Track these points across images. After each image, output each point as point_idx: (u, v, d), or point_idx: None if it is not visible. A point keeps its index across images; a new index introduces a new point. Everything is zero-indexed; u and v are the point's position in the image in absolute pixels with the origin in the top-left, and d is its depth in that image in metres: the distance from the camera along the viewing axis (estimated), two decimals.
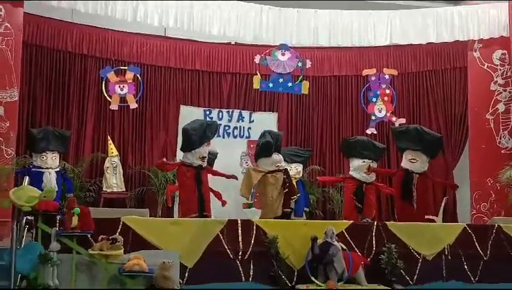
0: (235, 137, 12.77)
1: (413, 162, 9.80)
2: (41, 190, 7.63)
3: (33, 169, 9.69)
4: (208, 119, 12.38)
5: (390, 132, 11.08)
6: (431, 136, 10.06)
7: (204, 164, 9.16)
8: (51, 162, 9.80)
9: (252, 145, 12.66)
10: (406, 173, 9.84)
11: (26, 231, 6.40)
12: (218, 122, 12.54)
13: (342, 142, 10.80)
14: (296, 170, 11.01)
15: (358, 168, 9.90)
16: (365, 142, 10.16)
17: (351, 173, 10.02)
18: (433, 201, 11.93)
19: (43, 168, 9.73)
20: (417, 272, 7.44)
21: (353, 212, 9.60)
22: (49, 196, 6.47)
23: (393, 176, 10.60)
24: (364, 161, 9.86)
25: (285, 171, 9.43)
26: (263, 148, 9.39)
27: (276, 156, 9.34)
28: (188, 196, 8.98)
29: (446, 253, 7.60)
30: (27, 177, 7.48)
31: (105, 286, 6.28)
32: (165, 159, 10.18)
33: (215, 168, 10.53)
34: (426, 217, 9.77)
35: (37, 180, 9.13)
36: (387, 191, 10.84)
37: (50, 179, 9.58)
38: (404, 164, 9.97)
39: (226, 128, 12.72)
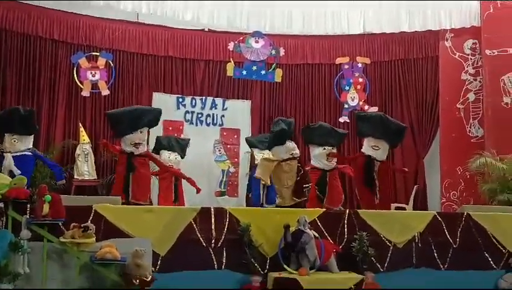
0: (208, 125, 12.71)
1: (375, 149, 9.69)
2: None
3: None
4: (181, 106, 12.37)
5: (353, 116, 10.82)
6: (395, 125, 9.99)
7: (138, 151, 8.99)
8: (8, 145, 8.92)
9: (225, 133, 12.67)
10: (367, 160, 9.72)
11: None
12: (191, 109, 12.56)
13: (303, 129, 10.47)
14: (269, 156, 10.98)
15: (319, 155, 9.74)
16: (326, 128, 9.97)
17: (312, 162, 9.84)
18: (403, 189, 12.14)
19: (4, 152, 8.92)
20: (388, 259, 7.50)
21: (315, 202, 9.31)
22: (20, 183, 6.39)
23: (354, 161, 10.19)
24: (324, 148, 9.72)
25: (299, 160, 9.25)
26: (278, 136, 9.24)
27: (290, 144, 9.16)
28: (117, 181, 9.02)
29: (416, 241, 7.67)
30: None
31: (77, 274, 6.24)
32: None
33: (188, 156, 10.54)
34: (396, 205, 9.86)
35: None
36: (348, 171, 10.29)
37: (5, 164, 8.78)
38: (366, 149, 9.83)
39: (199, 115, 12.66)
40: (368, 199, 9.56)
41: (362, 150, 10.00)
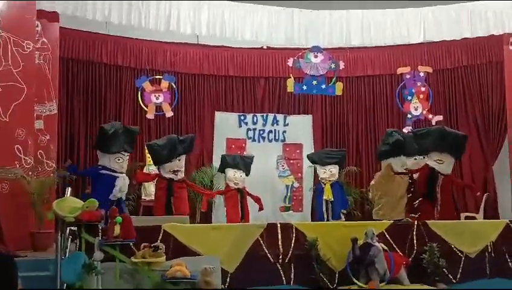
0: (270, 141, 12.78)
1: (440, 162, 9.27)
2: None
3: (103, 171, 8.68)
4: (243, 124, 12.51)
5: (412, 135, 10.14)
6: (455, 136, 9.62)
7: (177, 177, 9.41)
8: (125, 165, 8.82)
9: (287, 149, 12.70)
10: (431, 172, 9.32)
11: (70, 241, 6.50)
12: (253, 126, 12.67)
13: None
14: (330, 172, 10.81)
15: (411, 166, 9.58)
16: (412, 139, 9.69)
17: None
18: (473, 198, 11.80)
19: (117, 172, 8.70)
20: (460, 270, 7.32)
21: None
22: (92, 206, 6.56)
23: (419, 172, 9.71)
24: (415, 158, 9.59)
25: (411, 176, 9.18)
26: (395, 146, 9.15)
27: (404, 158, 9.11)
28: (157, 205, 9.48)
29: (489, 250, 7.46)
30: (69, 188, 7.57)
31: None
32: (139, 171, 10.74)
33: (252, 172, 10.63)
34: (467, 214, 9.59)
35: (108, 184, 8.50)
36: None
37: (125, 184, 8.68)
38: (430, 163, 9.41)
39: (261, 132, 12.75)
40: (428, 211, 9.30)
41: (427, 162, 9.76)
